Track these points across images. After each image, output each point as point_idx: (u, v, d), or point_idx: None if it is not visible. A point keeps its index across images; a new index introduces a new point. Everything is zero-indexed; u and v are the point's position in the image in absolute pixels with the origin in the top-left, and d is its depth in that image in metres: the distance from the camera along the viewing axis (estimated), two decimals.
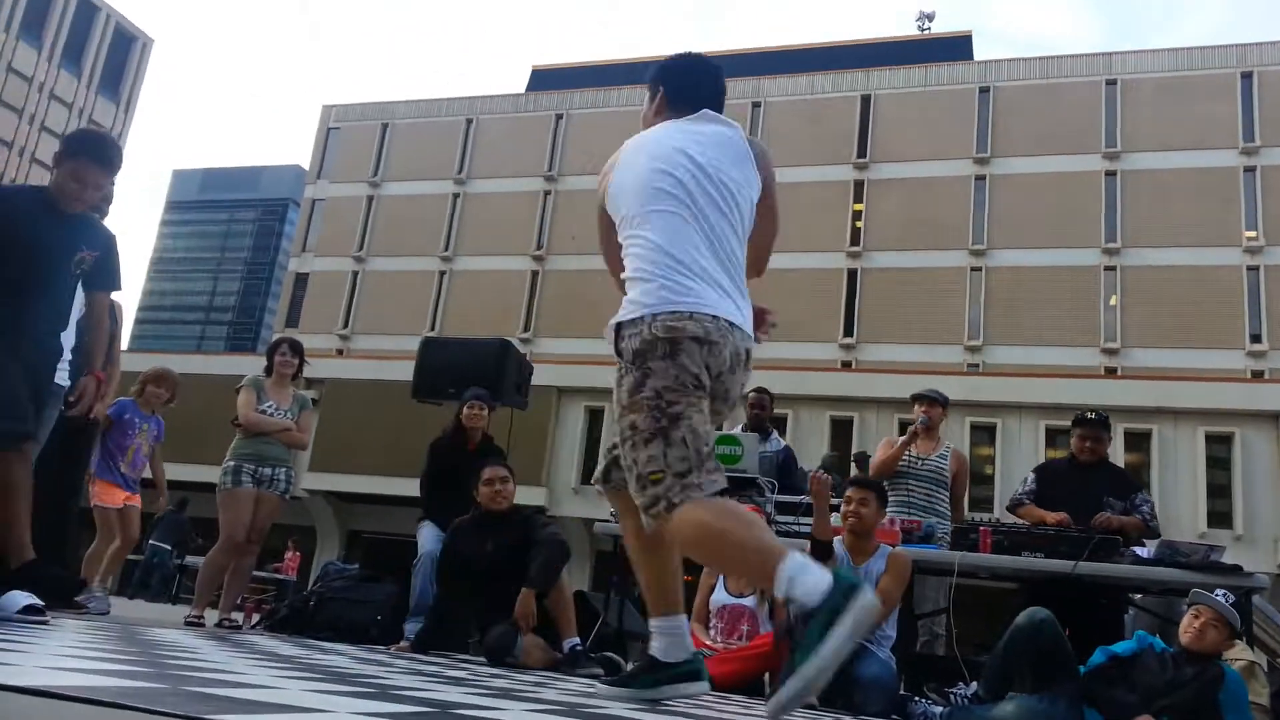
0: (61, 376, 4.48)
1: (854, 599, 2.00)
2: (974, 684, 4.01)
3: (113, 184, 3.99)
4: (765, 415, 6.83)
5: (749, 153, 2.68)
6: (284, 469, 5.60)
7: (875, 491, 4.51)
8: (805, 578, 2.08)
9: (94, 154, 3.64)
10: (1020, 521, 5.26)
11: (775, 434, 6.90)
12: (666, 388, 2.37)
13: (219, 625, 5.35)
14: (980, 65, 32.10)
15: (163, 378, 6.28)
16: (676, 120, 2.72)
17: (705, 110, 2.73)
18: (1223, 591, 3.76)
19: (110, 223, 4.72)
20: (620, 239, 2.61)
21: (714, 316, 2.42)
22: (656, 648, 2.63)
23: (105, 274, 3.77)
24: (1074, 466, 5.47)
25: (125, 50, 65.49)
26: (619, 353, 2.46)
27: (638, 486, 2.38)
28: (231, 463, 5.54)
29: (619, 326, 2.48)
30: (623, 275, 2.58)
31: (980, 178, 29.88)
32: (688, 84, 2.81)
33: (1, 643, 1.95)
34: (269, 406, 5.66)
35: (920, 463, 5.76)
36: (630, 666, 2.77)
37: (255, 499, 5.50)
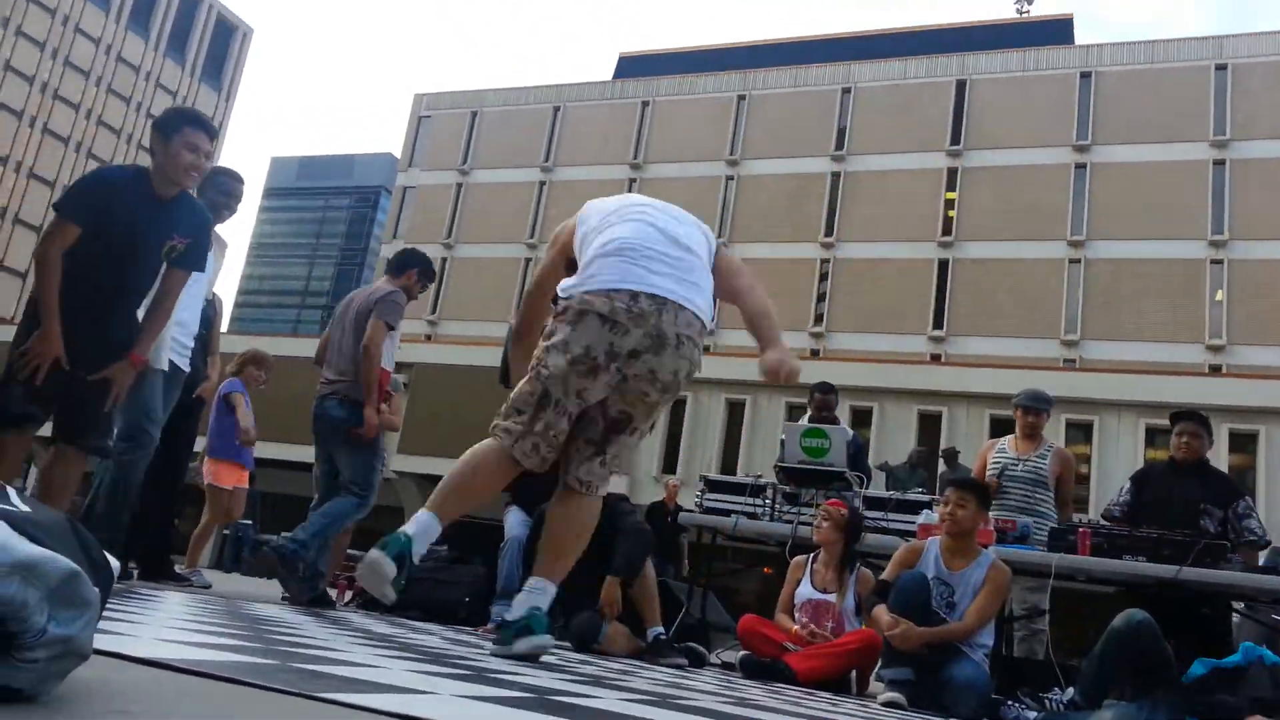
0: (182, 360, 4.65)
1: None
2: (1070, 690, 3.89)
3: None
4: (830, 414, 6.78)
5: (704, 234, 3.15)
6: None
7: (976, 493, 4.34)
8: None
9: (198, 121, 3.70)
10: None
11: (843, 424, 6.85)
12: (553, 345, 2.76)
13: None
14: (1082, 50, 30.98)
15: (261, 360, 6.49)
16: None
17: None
18: None
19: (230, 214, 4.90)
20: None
21: (633, 293, 2.76)
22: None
23: (190, 256, 3.76)
24: (1172, 469, 5.24)
25: (226, 39, 67.70)
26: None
27: (500, 416, 2.88)
28: None
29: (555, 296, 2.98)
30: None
31: (1080, 166, 28.89)
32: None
33: (112, 614, 2.03)
34: None
35: (1019, 464, 5.57)
36: (713, 655, 2.87)
37: None
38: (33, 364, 3.33)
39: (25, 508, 0.82)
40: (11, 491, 0.84)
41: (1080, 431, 20.92)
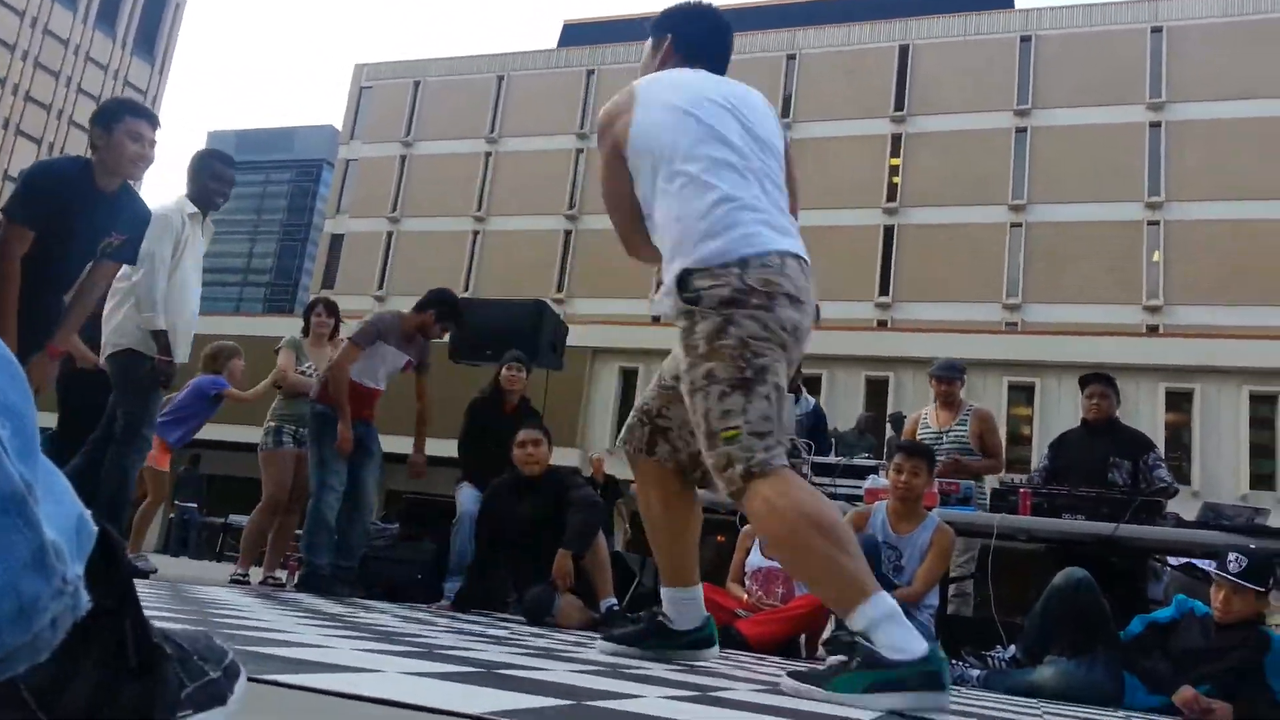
0: (181, 354, 4.50)
1: (936, 694, 1.93)
2: (1011, 647, 4.00)
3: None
4: (795, 378, 6.80)
5: (776, 118, 2.57)
6: None
7: (927, 460, 4.45)
8: (896, 629, 1.97)
9: (141, 111, 3.65)
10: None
11: (805, 394, 6.89)
12: (756, 338, 2.13)
13: (263, 583, 5.46)
14: (1022, 14, 31.28)
15: (236, 352, 6.33)
16: (697, 69, 2.50)
17: (722, 75, 2.57)
18: (1234, 557, 3.70)
19: (148, 183, 4.80)
20: (654, 185, 2.32)
21: (797, 257, 2.25)
22: (669, 615, 2.58)
23: (125, 251, 3.71)
24: (1086, 431, 5.42)
25: (159, 9, 65.61)
26: (692, 300, 2.18)
27: (708, 446, 2.15)
28: (272, 424, 5.63)
29: (687, 273, 2.20)
30: (662, 220, 2.31)
31: (1021, 130, 29.29)
32: (698, 35, 2.58)
33: None
34: (308, 367, 5.73)
35: (943, 438, 5.70)
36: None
37: (296, 459, 5.58)
38: None
39: None
40: None
41: (1022, 393, 21.39)
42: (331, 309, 5.99)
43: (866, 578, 2.03)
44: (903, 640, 1.95)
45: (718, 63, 2.57)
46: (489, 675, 1.45)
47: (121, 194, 3.65)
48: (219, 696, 0.74)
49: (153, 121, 3.67)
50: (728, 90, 2.46)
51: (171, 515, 16.13)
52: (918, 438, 5.75)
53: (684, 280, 2.21)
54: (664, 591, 2.61)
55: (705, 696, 1.62)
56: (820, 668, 2.13)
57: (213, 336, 5.26)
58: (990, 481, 5.89)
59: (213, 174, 4.57)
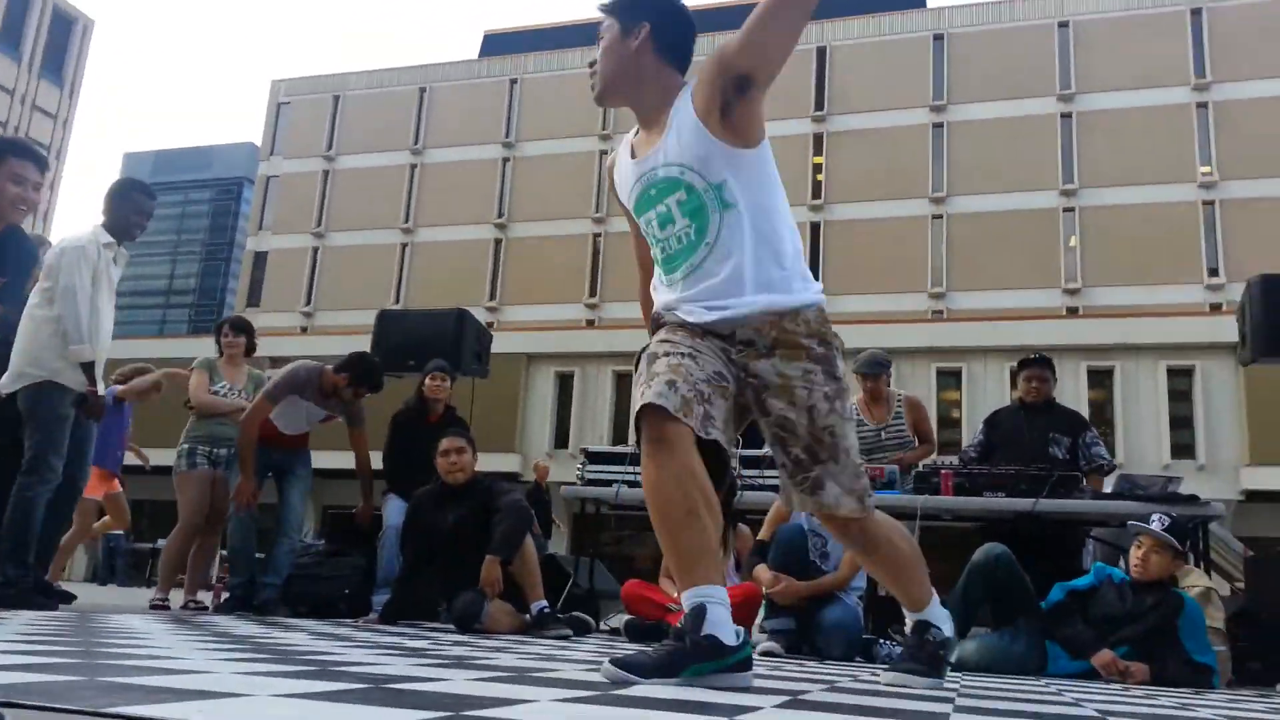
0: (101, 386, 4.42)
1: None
2: None
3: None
4: None
5: None
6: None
7: None
8: (947, 621, 2.52)
9: (24, 152, 3.51)
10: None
11: None
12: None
13: (184, 607, 5.31)
14: (934, 12, 31.99)
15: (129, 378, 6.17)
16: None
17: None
18: (1158, 517, 3.81)
19: (64, 210, 4.67)
20: (776, 203, 2.31)
21: None
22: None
23: (6, 292, 3.66)
24: (1023, 409, 5.51)
25: (66, 32, 63.68)
26: (817, 335, 2.27)
27: (855, 471, 2.26)
28: (185, 445, 5.49)
29: (820, 308, 2.33)
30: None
31: (938, 125, 29.92)
32: (681, 36, 2.40)
33: None
34: (222, 387, 5.60)
35: (882, 433, 5.68)
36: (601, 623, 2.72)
37: (212, 480, 5.44)
38: None
39: None
40: None
41: (951, 378, 21.83)
42: (239, 327, 5.85)
43: (928, 585, 2.52)
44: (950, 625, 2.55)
45: (685, 70, 2.42)
46: (372, 691, 1.40)
47: (4, 235, 3.54)
48: None
49: (40, 164, 3.54)
50: None
51: (99, 540, 15.64)
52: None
53: (821, 311, 2.35)
54: (685, 594, 2.37)
55: (605, 696, 1.60)
56: (904, 661, 2.50)
57: (136, 359, 5.13)
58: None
59: (132, 205, 4.51)
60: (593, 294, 30.11)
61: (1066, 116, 28.96)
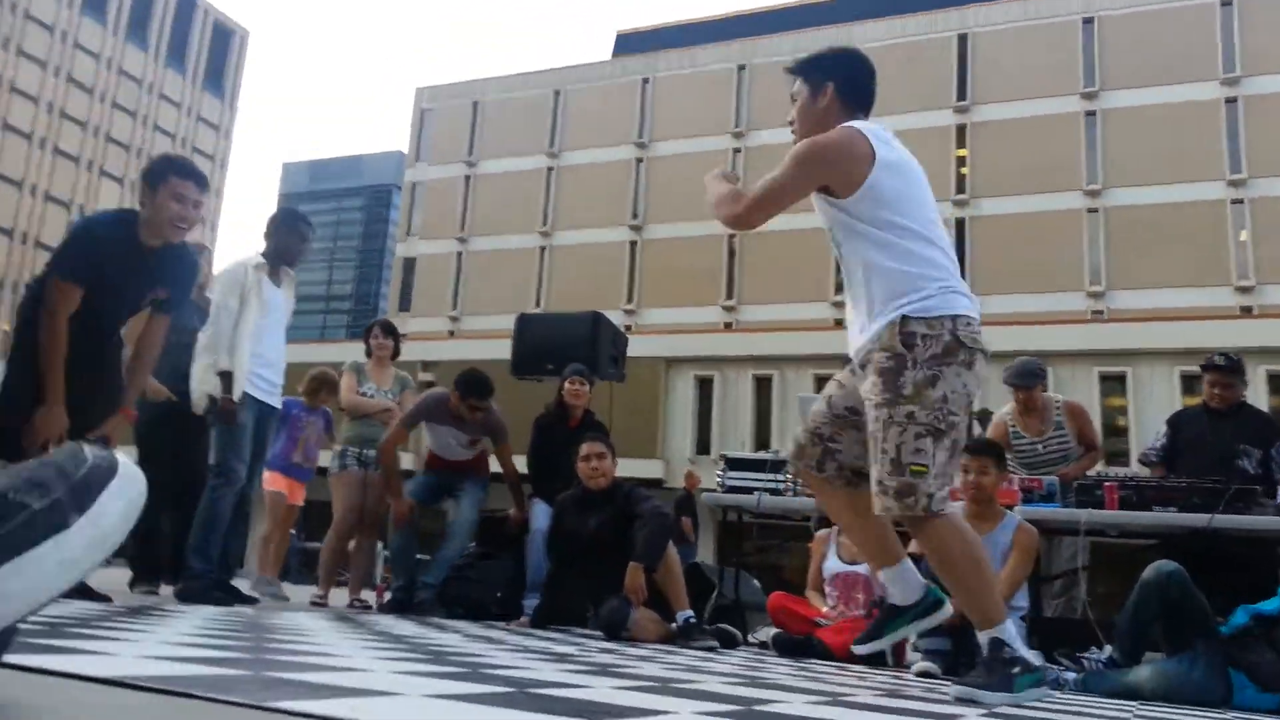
0: (272, 398, 4.84)
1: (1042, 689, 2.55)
2: (1108, 648, 3.84)
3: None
4: None
5: None
6: None
7: (993, 457, 4.28)
8: (1024, 645, 2.60)
9: (185, 171, 3.69)
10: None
11: None
12: (955, 394, 2.48)
13: (350, 606, 5.53)
14: None
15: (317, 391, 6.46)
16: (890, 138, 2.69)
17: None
18: None
19: (227, 217, 5.04)
20: (871, 230, 2.57)
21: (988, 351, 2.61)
22: (894, 596, 2.79)
23: (170, 305, 3.85)
24: (1209, 413, 5.14)
25: (225, 45, 67.68)
26: (905, 344, 2.47)
27: (891, 469, 2.45)
28: (338, 447, 5.73)
29: (906, 319, 2.49)
30: (879, 262, 2.57)
31: (1090, 113, 28.46)
32: (864, 84, 2.79)
33: (122, 631, 2.03)
34: (369, 389, 5.81)
35: (1041, 446, 5.37)
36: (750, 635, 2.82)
37: (364, 481, 5.65)
38: (39, 442, 3.34)
39: None
40: None
41: (1115, 383, 20.71)
42: (388, 330, 6.09)
43: (1001, 604, 2.58)
44: (1030, 651, 2.58)
45: (869, 112, 2.76)
46: (516, 694, 1.43)
47: (164, 250, 3.71)
48: (51, 525, 0.69)
49: (200, 182, 3.71)
50: (914, 159, 2.73)
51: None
52: (1014, 449, 5.43)
53: (904, 323, 2.50)
54: (880, 574, 2.88)
55: (748, 712, 1.56)
56: (974, 674, 2.55)
57: (300, 364, 5.41)
58: None
59: (289, 231, 4.93)
60: (729, 295, 29.95)
61: (1232, 101, 27.08)
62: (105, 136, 59.79)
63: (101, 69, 59.49)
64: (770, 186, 2.60)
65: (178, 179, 3.63)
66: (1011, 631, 2.54)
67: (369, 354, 5.97)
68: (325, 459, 5.85)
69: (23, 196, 55.11)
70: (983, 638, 2.55)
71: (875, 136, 2.61)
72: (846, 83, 2.73)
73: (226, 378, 4.55)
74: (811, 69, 2.79)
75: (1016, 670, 2.45)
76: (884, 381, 2.47)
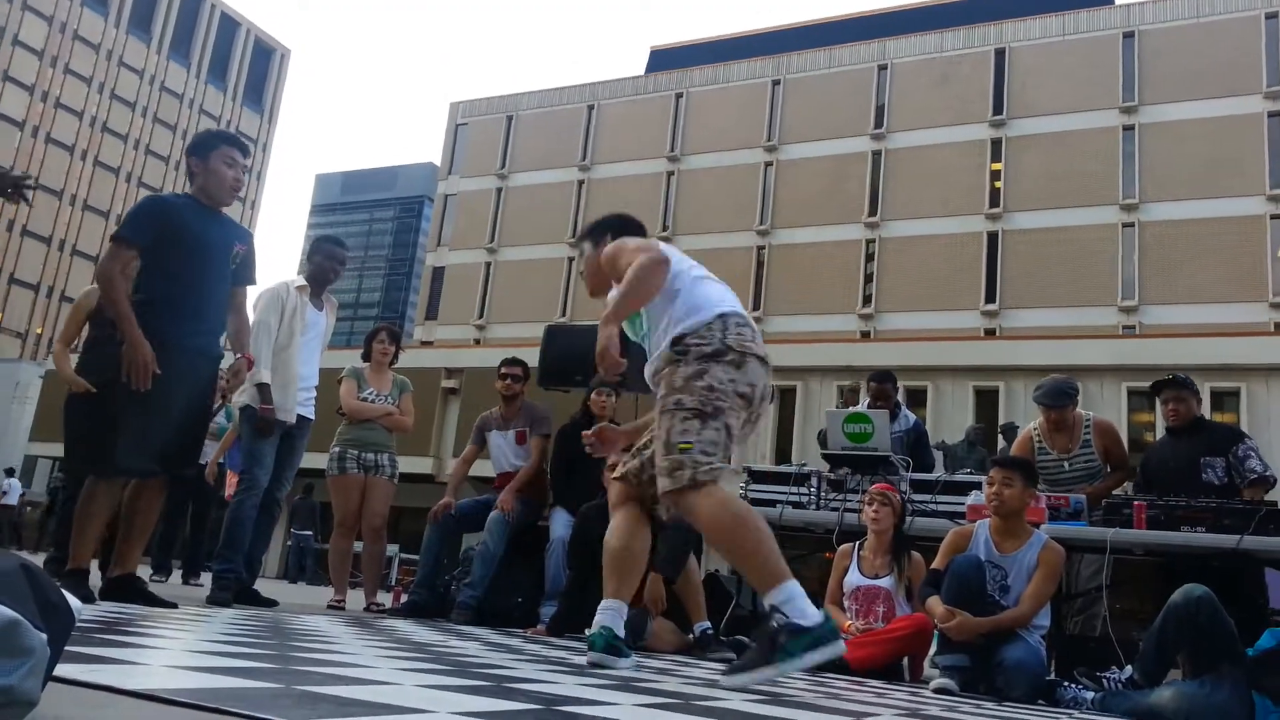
0: (307, 409, 5.13)
1: (834, 644, 2.51)
2: (1128, 667, 3.78)
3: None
4: (887, 403, 6.50)
5: None
6: (386, 454, 5.85)
7: (1021, 471, 4.21)
8: (803, 604, 2.53)
9: (231, 140, 4.00)
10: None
11: (905, 410, 6.67)
12: (722, 385, 2.74)
13: (366, 610, 5.58)
14: (1123, 9, 30.16)
15: None
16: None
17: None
18: None
19: (263, 226, 5.26)
20: (668, 287, 2.96)
21: (765, 356, 2.90)
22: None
23: (247, 269, 4.07)
24: (1170, 434, 5.12)
25: (265, 62, 68.89)
26: (681, 352, 2.80)
27: (664, 452, 2.73)
28: (337, 449, 5.82)
29: (680, 337, 2.82)
30: (668, 306, 2.95)
31: (1129, 127, 28.15)
32: (629, 228, 3.39)
33: (151, 638, 2.07)
34: (369, 393, 5.89)
35: (1067, 463, 5.30)
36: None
37: (364, 485, 5.71)
38: (134, 373, 3.49)
39: None
40: None
41: (1144, 399, 20.40)
42: (394, 336, 6.20)
43: (784, 565, 2.61)
44: (808, 609, 2.53)
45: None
46: (544, 713, 1.43)
47: (226, 216, 4.00)
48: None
49: (244, 150, 4.02)
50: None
51: (288, 542, 16.78)
52: (1039, 465, 5.37)
53: (677, 340, 2.83)
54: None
55: None
56: (744, 656, 2.61)
57: (327, 369, 5.51)
58: None
59: (326, 254, 5.31)
60: (755, 307, 29.88)
61: (1276, 115, 26.68)
62: (145, 149, 60.87)
63: (144, 85, 60.65)
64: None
65: (226, 146, 3.90)
66: (792, 590, 2.54)
67: (366, 358, 6.04)
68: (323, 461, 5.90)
69: (62, 206, 56.18)
70: (764, 604, 2.61)
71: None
72: (618, 230, 3.34)
73: (265, 389, 4.78)
74: (593, 230, 3.48)
75: (782, 639, 2.47)
76: (664, 386, 2.81)
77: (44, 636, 0.76)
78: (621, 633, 2.94)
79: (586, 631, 2.97)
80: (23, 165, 54.79)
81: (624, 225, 3.40)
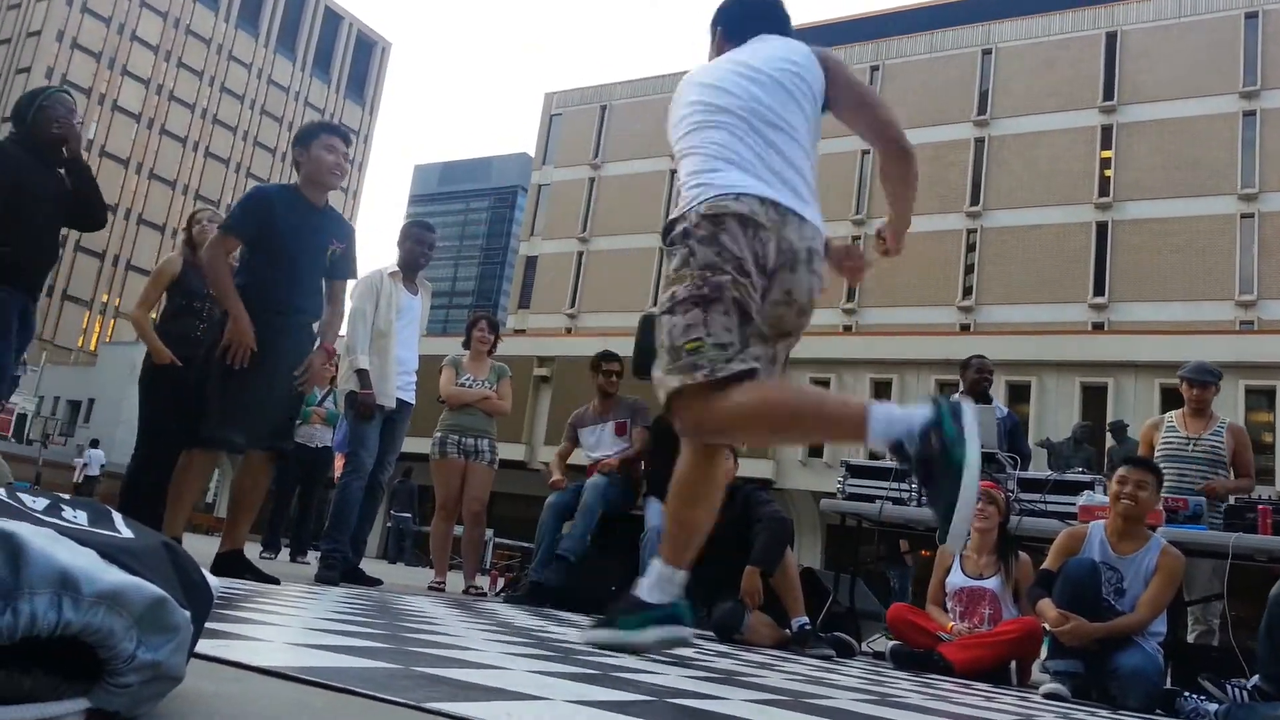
0: (408, 394, 5.29)
1: (966, 414, 2.03)
2: (1255, 677, 3.59)
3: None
4: (984, 391, 6.31)
5: (807, 50, 2.66)
6: (486, 439, 5.93)
7: (1156, 475, 4.09)
8: (902, 413, 2.06)
9: (333, 128, 4.15)
10: None
11: (997, 401, 6.48)
12: (710, 263, 2.25)
13: (466, 592, 5.67)
14: None
15: None
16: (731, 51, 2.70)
17: (761, 35, 2.69)
18: None
19: (364, 217, 5.40)
20: (678, 166, 2.55)
21: (761, 199, 2.32)
22: (644, 587, 2.50)
23: (346, 263, 4.15)
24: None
25: (367, 55, 70.70)
26: (669, 244, 2.39)
27: (670, 360, 2.25)
28: (438, 434, 5.92)
29: (671, 223, 2.41)
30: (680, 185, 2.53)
31: (1249, 113, 26.78)
32: (735, 16, 2.81)
33: (267, 614, 2.12)
34: (467, 379, 5.97)
35: (1192, 444, 5.19)
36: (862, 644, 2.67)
37: (464, 469, 5.80)
38: (234, 352, 3.64)
39: (127, 533, 0.83)
40: (117, 517, 0.86)
41: (1262, 398, 19.45)
42: (494, 325, 6.27)
43: (853, 397, 2.31)
44: (916, 415, 2.05)
45: (761, 22, 2.74)
46: (656, 705, 1.41)
47: (329, 209, 4.09)
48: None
49: (345, 138, 4.13)
50: (755, 52, 2.61)
51: (389, 524, 17.24)
52: (1159, 443, 5.29)
53: (667, 229, 2.42)
54: (654, 563, 2.64)
55: None
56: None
57: (425, 356, 5.64)
58: None
59: (414, 239, 5.40)
60: (849, 298, 29.43)
61: None
62: (254, 140, 63.12)
63: (252, 78, 62.87)
64: None
65: (327, 134, 4.04)
66: (884, 409, 2.10)
67: (466, 345, 6.13)
68: (423, 446, 6.04)
69: (174, 195, 58.66)
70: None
71: (690, 73, 2.71)
72: (726, 26, 2.80)
73: (364, 375, 4.94)
74: (710, 23, 2.90)
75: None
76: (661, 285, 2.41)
77: (188, 614, 0.77)
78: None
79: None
80: (138, 156, 57.47)
81: (728, 13, 2.86)
